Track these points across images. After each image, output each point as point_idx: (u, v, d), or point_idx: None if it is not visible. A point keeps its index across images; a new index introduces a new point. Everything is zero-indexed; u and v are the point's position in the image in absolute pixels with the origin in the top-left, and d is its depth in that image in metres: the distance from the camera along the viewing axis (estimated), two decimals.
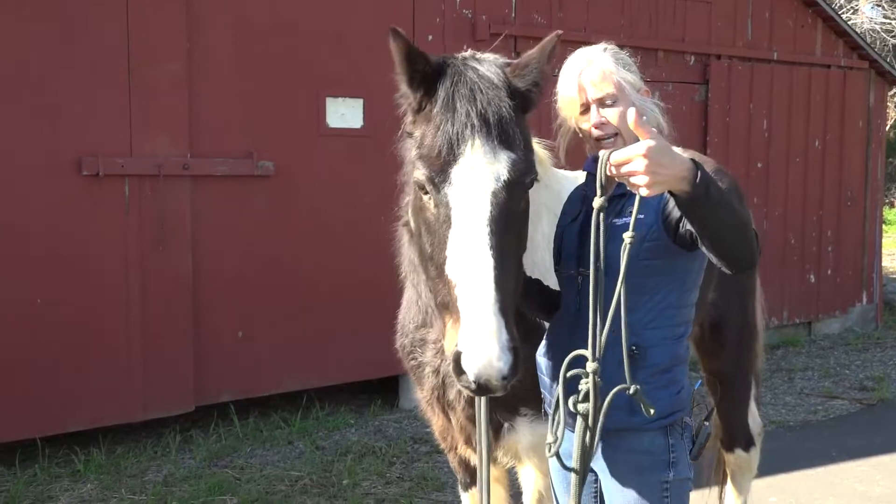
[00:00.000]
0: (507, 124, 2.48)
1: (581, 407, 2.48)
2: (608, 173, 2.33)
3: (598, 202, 2.41)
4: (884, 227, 12.91)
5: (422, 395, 3.43)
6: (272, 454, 6.42)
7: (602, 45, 2.75)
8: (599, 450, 2.68)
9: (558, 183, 3.36)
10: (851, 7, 22.95)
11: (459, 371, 2.31)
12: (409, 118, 2.65)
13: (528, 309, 2.84)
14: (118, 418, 6.34)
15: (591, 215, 2.48)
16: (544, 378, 2.81)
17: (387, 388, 7.64)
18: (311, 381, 7.13)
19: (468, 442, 3.32)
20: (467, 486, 3.64)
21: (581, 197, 2.80)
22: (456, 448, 3.52)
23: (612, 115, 2.63)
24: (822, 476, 6.12)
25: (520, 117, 2.56)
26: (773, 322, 10.15)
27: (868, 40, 16.17)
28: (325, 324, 7.01)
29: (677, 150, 2.31)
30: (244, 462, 6.24)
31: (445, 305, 2.47)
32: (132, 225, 6.24)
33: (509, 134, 2.48)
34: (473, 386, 2.30)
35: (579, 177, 3.63)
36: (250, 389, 6.87)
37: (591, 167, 2.76)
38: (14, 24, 5.79)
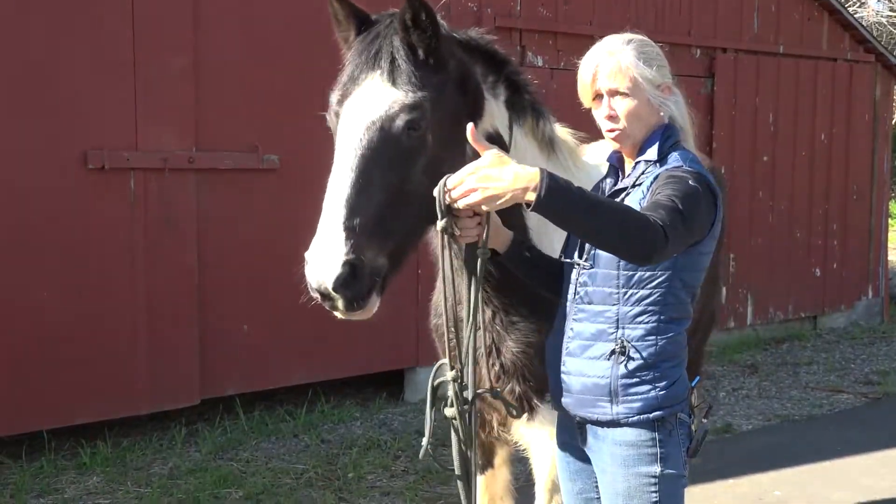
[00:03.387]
0: (398, 64, 2.65)
1: (448, 412, 2.65)
2: (446, 201, 2.45)
3: (439, 224, 2.53)
4: (889, 220, 12.87)
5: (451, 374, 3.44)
6: (277, 447, 6.43)
7: (628, 36, 2.71)
8: (587, 439, 2.74)
9: (582, 170, 3.39)
10: (858, 0, 22.87)
11: (306, 281, 2.56)
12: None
13: (534, 281, 2.87)
14: (124, 411, 6.35)
15: None
16: (548, 370, 2.83)
17: (392, 381, 7.64)
18: (316, 375, 7.14)
19: (499, 422, 3.35)
20: (483, 469, 3.65)
21: (598, 189, 2.82)
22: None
23: (621, 109, 2.64)
24: (827, 470, 6.11)
25: (426, 61, 2.68)
26: (779, 316, 10.14)
27: (875, 33, 16.12)
28: (330, 317, 6.96)
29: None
30: (249, 455, 6.25)
31: None
32: (138, 218, 6.24)
33: (403, 74, 2.64)
34: (317, 296, 2.57)
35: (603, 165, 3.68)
36: (256, 383, 6.88)
37: (613, 159, 2.80)
38: (19, 16, 5.79)
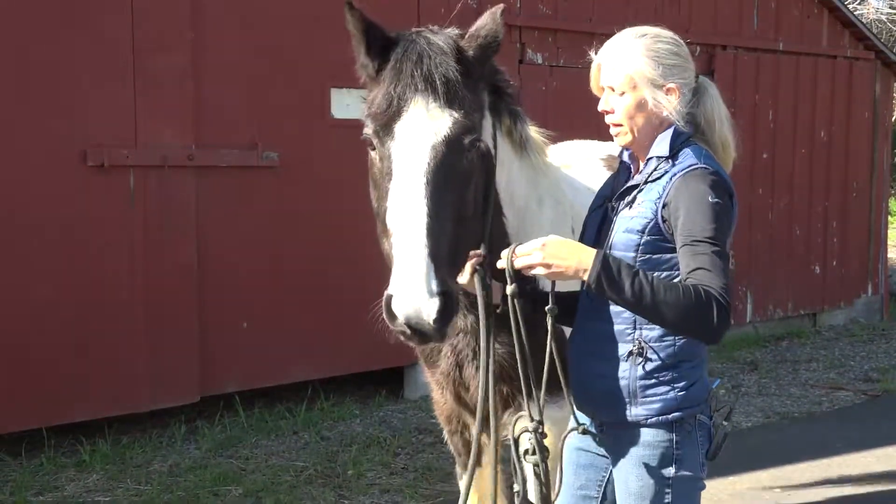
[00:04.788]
0: (453, 86, 2.61)
1: (531, 459, 2.66)
2: (514, 267, 2.52)
3: (508, 290, 2.58)
4: (889, 217, 12.88)
5: (433, 377, 3.45)
6: (277, 444, 6.43)
7: (644, 30, 2.69)
8: (606, 439, 2.73)
9: (554, 173, 3.45)
10: None
11: (391, 315, 2.45)
12: (367, 84, 2.82)
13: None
14: (124, 409, 6.36)
15: (610, 208, 2.67)
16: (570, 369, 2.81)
17: (391, 378, 7.64)
18: (316, 372, 7.14)
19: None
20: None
21: (611, 186, 2.81)
22: (461, 431, 3.56)
23: (618, 107, 2.63)
24: (826, 467, 6.11)
25: (469, 82, 2.67)
26: (778, 313, 10.15)
27: (874, 31, 16.10)
28: (329, 314, 7.02)
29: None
30: (249, 452, 6.25)
31: (389, 257, 2.61)
32: (137, 216, 6.24)
33: (453, 94, 2.61)
34: (407, 330, 2.44)
35: (574, 167, 3.72)
36: (255, 380, 6.88)
37: (626, 157, 2.78)
38: (18, 15, 5.79)
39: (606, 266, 2.40)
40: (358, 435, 6.59)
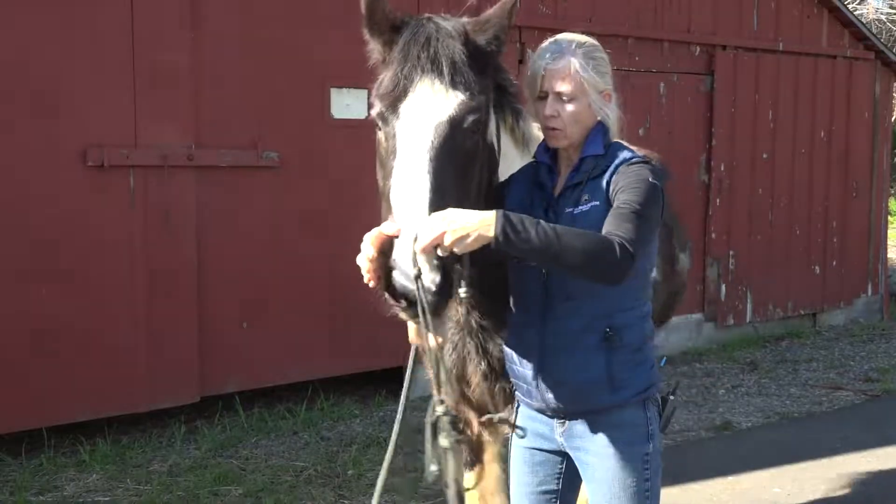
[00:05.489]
0: (459, 68, 2.66)
1: (443, 442, 2.72)
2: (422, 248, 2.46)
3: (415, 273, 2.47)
4: (889, 218, 12.88)
5: (434, 373, 3.46)
6: (277, 445, 6.43)
7: (580, 39, 2.81)
8: (574, 430, 2.80)
9: None
10: None
11: (392, 288, 2.49)
12: (378, 71, 2.82)
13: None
14: (123, 409, 6.36)
15: (551, 208, 2.73)
16: (514, 368, 2.89)
17: (391, 378, 7.63)
18: (315, 372, 7.14)
19: (481, 417, 3.37)
20: (472, 466, 3.68)
21: (531, 181, 2.87)
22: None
23: (564, 112, 2.73)
24: (826, 467, 6.11)
25: (475, 66, 2.71)
26: (778, 313, 10.15)
27: (874, 31, 16.11)
28: (329, 314, 7.02)
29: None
30: (249, 452, 6.25)
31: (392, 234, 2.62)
32: (137, 216, 6.24)
33: (459, 76, 2.65)
34: (403, 303, 2.48)
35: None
36: (255, 380, 6.88)
37: (542, 156, 2.87)
38: (17, 14, 5.79)
39: (508, 218, 2.43)
40: (358, 435, 6.60)
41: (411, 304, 2.47)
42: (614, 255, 2.45)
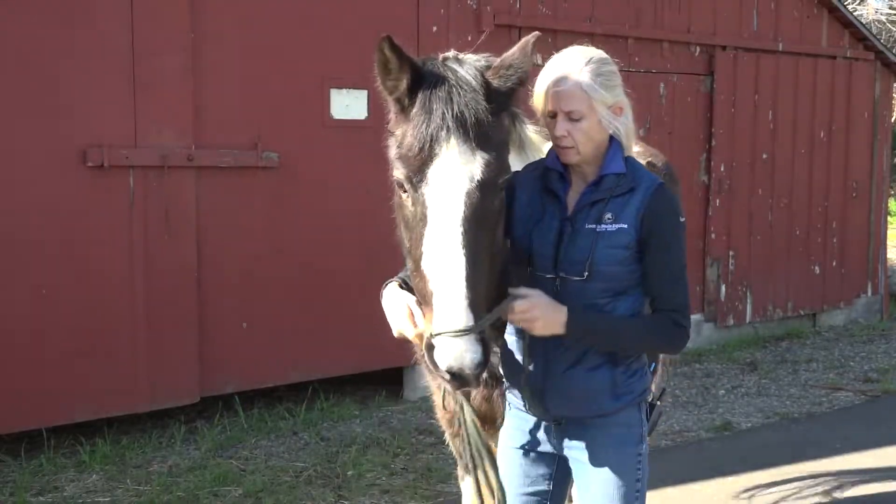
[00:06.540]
0: (483, 126, 2.58)
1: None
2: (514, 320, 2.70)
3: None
4: (889, 218, 12.88)
5: (434, 381, 3.45)
6: (277, 445, 6.43)
7: (588, 54, 2.76)
8: (569, 432, 2.86)
9: None
10: None
11: (434, 363, 2.49)
12: (392, 117, 2.76)
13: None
14: (123, 409, 6.35)
15: (567, 222, 2.74)
16: (515, 378, 2.91)
17: (391, 379, 7.64)
18: (315, 373, 7.14)
19: (483, 423, 3.37)
20: (473, 470, 3.66)
21: (540, 187, 2.86)
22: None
23: (576, 132, 2.71)
24: (826, 467, 6.11)
25: (497, 118, 2.66)
26: (778, 313, 10.15)
27: (874, 31, 16.12)
28: (329, 315, 7.02)
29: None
30: (249, 453, 6.25)
31: (423, 297, 2.63)
32: (137, 216, 6.24)
33: (485, 135, 2.58)
34: (447, 377, 2.47)
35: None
36: (255, 380, 6.88)
37: (554, 163, 2.84)
38: (18, 15, 5.78)
39: (575, 319, 2.65)
40: (358, 435, 6.59)
41: (454, 376, 2.49)
42: (676, 339, 2.77)
